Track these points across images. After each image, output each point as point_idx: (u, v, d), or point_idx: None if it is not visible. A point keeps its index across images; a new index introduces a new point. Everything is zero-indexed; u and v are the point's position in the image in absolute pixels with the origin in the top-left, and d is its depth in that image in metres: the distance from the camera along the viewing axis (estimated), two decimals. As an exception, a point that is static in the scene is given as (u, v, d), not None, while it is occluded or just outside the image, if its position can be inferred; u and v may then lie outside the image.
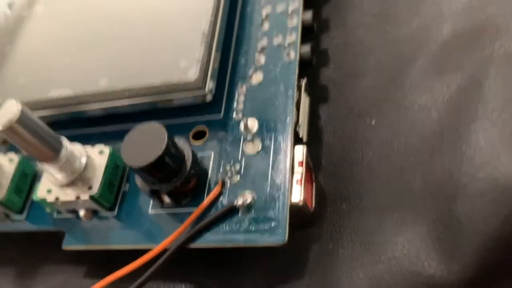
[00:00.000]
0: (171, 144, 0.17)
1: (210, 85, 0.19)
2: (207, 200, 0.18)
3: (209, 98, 0.19)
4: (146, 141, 0.17)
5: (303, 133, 0.20)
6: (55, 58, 0.22)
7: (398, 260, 0.15)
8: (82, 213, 0.19)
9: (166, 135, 0.17)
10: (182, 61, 0.20)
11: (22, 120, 0.16)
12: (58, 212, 0.20)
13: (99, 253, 0.20)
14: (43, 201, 0.19)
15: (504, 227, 0.13)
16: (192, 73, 0.19)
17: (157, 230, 0.19)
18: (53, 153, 0.18)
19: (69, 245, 0.19)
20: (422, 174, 0.16)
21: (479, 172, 0.14)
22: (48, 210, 0.20)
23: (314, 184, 0.19)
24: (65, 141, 0.18)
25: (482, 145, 0.15)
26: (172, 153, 0.17)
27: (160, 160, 0.17)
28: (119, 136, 0.21)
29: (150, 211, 0.19)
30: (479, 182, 0.14)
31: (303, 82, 0.21)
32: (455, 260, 0.14)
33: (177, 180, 0.18)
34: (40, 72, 0.22)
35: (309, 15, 0.22)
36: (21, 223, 0.21)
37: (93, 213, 0.20)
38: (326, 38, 0.24)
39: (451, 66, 0.18)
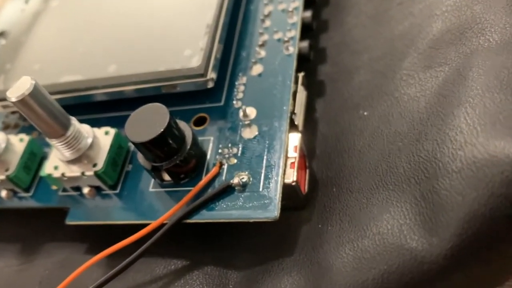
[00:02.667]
0: (173, 123, 0.18)
1: (211, 72, 0.21)
2: (205, 179, 0.19)
3: (210, 84, 0.21)
4: (149, 120, 0.18)
5: (298, 121, 0.21)
6: (67, 47, 0.23)
7: (382, 235, 0.16)
8: (86, 190, 0.20)
9: (168, 114, 0.18)
10: (187, 50, 0.21)
11: (34, 93, 0.17)
12: (63, 190, 0.21)
13: (100, 231, 0.21)
14: (50, 176, 0.20)
15: (480, 201, 0.14)
16: (195, 61, 0.21)
17: (157, 206, 0.20)
18: (62, 129, 0.19)
19: (72, 220, 0.20)
20: (407, 156, 0.17)
21: (459, 151, 0.15)
22: (54, 187, 0.21)
23: (307, 170, 0.20)
24: (74, 120, 0.19)
25: (463, 127, 0.16)
26: (173, 132, 0.18)
27: (161, 137, 0.18)
28: (125, 121, 0.22)
29: (151, 189, 0.20)
30: (458, 160, 0.15)
31: (301, 75, 0.22)
32: (435, 234, 0.15)
33: (177, 158, 0.19)
34: (54, 59, 0.23)
35: (308, 13, 0.23)
36: (27, 200, 0.22)
37: (97, 190, 0.21)
38: (324, 37, 0.25)
39: (439, 60, 0.19)
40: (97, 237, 0.21)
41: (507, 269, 0.15)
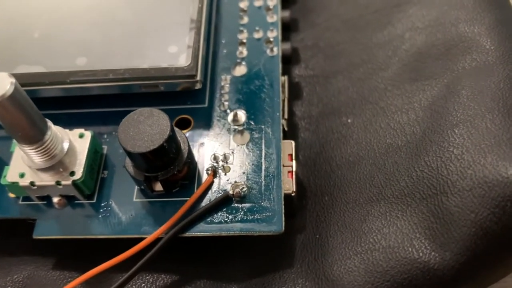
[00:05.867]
0: (172, 131, 0.17)
1: (200, 72, 0.19)
2: (200, 188, 0.18)
3: (198, 86, 0.19)
4: (146, 127, 0.17)
5: (286, 127, 0.20)
6: (25, 33, 0.20)
7: (393, 249, 0.17)
8: (56, 199, 0.18)
9: (169, 121, 0.17)
10: (172, 47, 0.19)
11: (14, 95, 0.15)
12: (25, 198, 0.19)
13: (67, 242, 0.19)
14: (14, 185, 0.17)
15: (493, 218, 0.15)
16: (183, 59, 0.19)
17: (143, 219, 0.18)
18: (39, 134, 0.16)
19: (41, 234, 0.18)
20: (408, 170, 0.18)
21: (468, 170, 0.16)
22: (11, 195, 0.18)
23: (293, 176, 0.20)
24: (50, 123, 0.17)
25: (468, 146, 0.17)
26: (173, 141, 0.17)
27: (163, 147, 0.16)
28: (92, 119, 0.20)
29: (135, 199, 0.18)
30: (468, 178, 0.16)
31: (285, 78, 0.21)
32: (448, 248, 0.16)
33: (174, 168, 0.17)
34: (8, 46, 0.20)
35: (287, 13, 0.23)
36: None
37: (67, 200, 0.18)
38: (295, 37, 0.24)
39: (425, 73, 0.20)
40: (65, 249, 0.19)
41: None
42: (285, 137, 0.20)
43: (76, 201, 0.18)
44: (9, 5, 0.21)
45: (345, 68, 0.22)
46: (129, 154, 0.17)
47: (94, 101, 0.20)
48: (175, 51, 0.19)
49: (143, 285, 0.18)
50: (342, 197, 0.19)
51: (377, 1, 0.23)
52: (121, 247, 0.17)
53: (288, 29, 0.23)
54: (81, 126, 0.19)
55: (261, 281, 0.18)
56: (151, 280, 0.18)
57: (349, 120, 0.21)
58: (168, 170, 0.17)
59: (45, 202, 0.18)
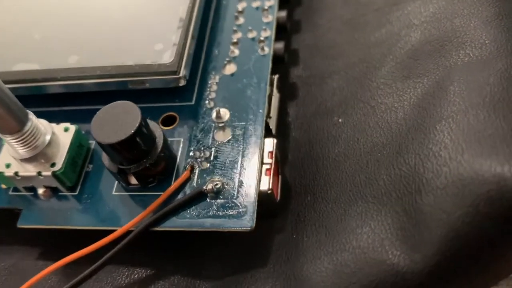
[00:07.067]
0: (144, 124, 0.17)
1: (184, 69, 0.19)
2: (175, 183, 0.18)
3: (182, 82, 0.19)
4: (118, 119, 0.17)
5: (273, 126, 0.20)
6: (24, 33, 0.21)
7: (362, 249, 0.16)
8: (41, 191, 0.19)
9: (139, 114, 0.17)
10: (158, 44, 0.20)
11: (-11, 85, 0.16)
12: (14, 189, 0.19)
13: (52, 234, 0.19)
14: (1, 175, 0.18)
15: (465, 219, 0.14)
16: (167, 56, 0.19)
17: (120, 212, 0.18)
18: (18, 125, 0.17)
19: (25, 223, 0.19)
20: (387, 169, 0.17)
21: (444, 167, 0.15)
22: (3, 186, 0.19)
23: (280, 176, 0.20)
24: (31, 115, 0.18)
25: (447, 142, 0.16)
26: (144, 133, 0.17)
27: (131, 139, 0.16)
28: (85, 116, 0.20)
29: (114, 192, 0.19)
30: (443, 176, 0.15)
31: (276, 77, 0.21)
32: (418, 250, 0.15)
33: (146, 161, 0.17)
34: (7, 45, 0.21)
35: (283, 13, 0.23)
36: (-28, 200, 0.20)
37: (53, 191, 0.19)
38: (296, 38, 0.24)
39: (417, 71, 0.19)
40: (50, 240, 0.20)
41: (489, 280, 0.15)
42: (271, 136, 0.19)
43: (60, 193, 0.19)
44: (10, 7, 0.22)
45: (342, 68, 0.22)
46: (101, 145, 0.17)
47: (87, 98, 0.21)
48: (160, 49, 0.20)
49: (118, 277, 0.18)
50: (323, 197, 0.18)
51: (378, 0, 0.23)
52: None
53: (285, 29, 0.23)
54: (75, 123, 0.20)
55: (233, 279, 0.18)
56: (126, 273, 0.18)
57: (340, 120, 0.20)
58: (140, 163, 0.17)
59: (32, 193, 0.19)
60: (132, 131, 0.16)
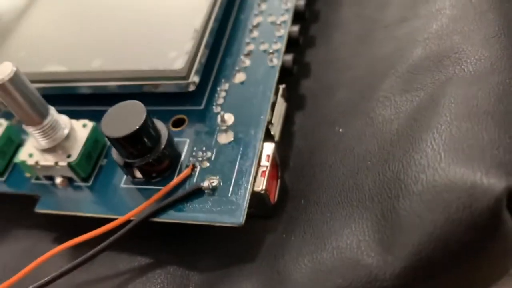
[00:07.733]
0: (149, 121, 0.18)
1: (194, 76, 0.21)
2: (176, 179, 0.19)
3: (191, 87, 0.21)
4: (126, 116, 0.18)
5: (275, 132, 0.21)
6: (55, 37, 0.24)
7: (340, 249, 0.16)
8: (58, 180, 0.21)
9: (145, 112, 0.18)
10: (172, 52, 0.21)
11: (14, 80, 0.18)
12: (37, 178, 0.21)
13: (68, 222, 0.21)
14: (23, 163, 0.20)
15: (437, 223, 0.15)
16: (178, 63, 0.21)
17: (126, 202, 0.20)
18: (39, 118, 0.19)
19: (42, 208, 0.20)
20: (374, 175, 0.18)
21: (421, 174, 0.16)
22: (27, 174, 0.21)
23: (279, 181, 0.21)
24: (52, 110, 0.20)
25: (428, 151, 0.16)
26: (148, 130, 0.18)
27: (135, 134, 0.18)
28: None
29: (122, 185, 0.20)
30: (419, 183, 0.16)
31: (281, 87, 0.22)
32: (391, 252, 0.15)
33: (150, 156, 0.19)
34: (40, 48, 0.24)
35: (296, 28, 0.24)
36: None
37: (69, 181, 0.21)
38: (310, 53, 0.25)
39: (415, 85, 0.20)
40: (65, 227, 0.21)
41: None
42: (272, 140, 0.21)
43: (75, 183, 0.21)
44: (43, 13, 0.25)
45: (349, 81, 0.23)
46: (109, 139, 0.19)
47: (107, 100, 0.22)
48: (174, 56, 0.21)
49: (119, 263, 0.20)
50: (315, 201, 0.19)
51: (388, 16, 0.23)
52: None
53: (297, 43, 0.24)
54: (96, 121, 0.21)
55: (221, 273, 0.19)
56: (127, 260, 0.20)
57: (340, 130, 0.21)
58: (144, 158, 0.19)
59: (51, 182, 0.21)
60: (137, 127, 0.18)
